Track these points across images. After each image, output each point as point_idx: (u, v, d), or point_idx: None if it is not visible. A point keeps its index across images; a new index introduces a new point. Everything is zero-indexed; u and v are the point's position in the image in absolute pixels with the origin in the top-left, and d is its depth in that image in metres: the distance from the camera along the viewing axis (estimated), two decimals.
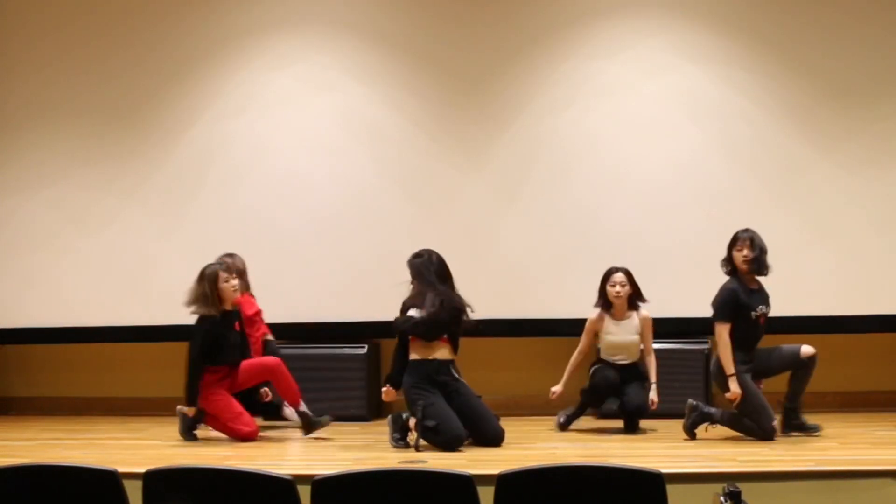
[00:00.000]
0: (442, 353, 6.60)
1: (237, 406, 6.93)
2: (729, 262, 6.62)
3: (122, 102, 8.35)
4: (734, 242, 6.59)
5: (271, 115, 8.23)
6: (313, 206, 8.06)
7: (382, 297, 7.35)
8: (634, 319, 7.00)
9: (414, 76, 8.14)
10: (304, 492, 3.70)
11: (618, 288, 6.92)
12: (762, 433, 6.44)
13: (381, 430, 6.98)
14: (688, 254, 7.76)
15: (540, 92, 8.05)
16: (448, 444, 6.33)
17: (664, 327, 7.47)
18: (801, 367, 6.59)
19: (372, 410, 7.82)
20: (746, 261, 6.52)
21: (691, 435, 6.61)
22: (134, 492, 3.86)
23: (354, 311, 7.74)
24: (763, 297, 6.58)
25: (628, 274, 6.97)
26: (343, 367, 7.77)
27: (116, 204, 8.31)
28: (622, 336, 6.98)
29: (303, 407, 6.98)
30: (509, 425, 7.26)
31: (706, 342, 7.71)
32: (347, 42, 8.21)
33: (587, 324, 7.04)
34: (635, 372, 6.98)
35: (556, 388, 7.06)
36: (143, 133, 8.33)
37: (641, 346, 7.01)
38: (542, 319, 7.87)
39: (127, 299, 8.04)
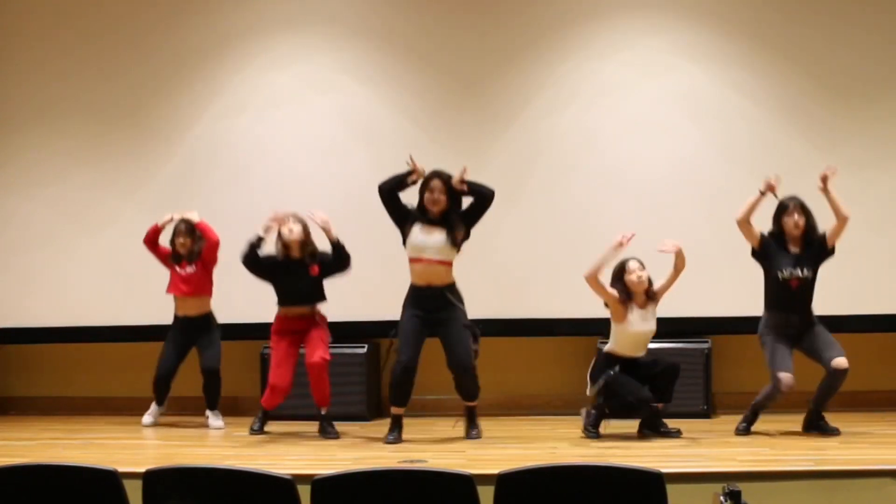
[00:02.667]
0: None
1: (280, 355, 7.06)
2: (779, 234, 6.66)
3: (123, 102, 8.35)
4: (782, 210, 6.63)
5: (271, 115, 8.23)
6: (313, 205, 8.03)
7: (382, 297, 7.36)
8: (652, 307, 6.81)
9: (414, 76, 8.14)
10: (304, 492, 3.71)
11: (635, 275, 6.71)
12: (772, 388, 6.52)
13: (381, 429, 6.99)
14: (687, 253, 7.75)
15: (540, 92, 8.05)
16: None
17: (664, 327, 7.45)
18: (830, 376, 6.58)
19: (372, 410, 7.82)
20: (799, 227, 6.59)
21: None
22: (134, 492, 3.86)
23: (354, 311, 7.73)
24: (800, 261, 6.59)
25: (640, 262, 6.80)
26: (343, 367, 7.75)
27: (116, 204, 8.31)
28: (646, 326, 6.77)
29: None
30: (509, 425, 7.28)
31: (706, 342, 7.71)
32: (347, 42, 8.21)
33: (610, 295, 6.72)
34: (643, 368, 6.81)
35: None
36: (144, 133, 8.33)
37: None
38: (542, 319, 7.86)
39: (127, 299, 8.04)
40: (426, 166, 7.72)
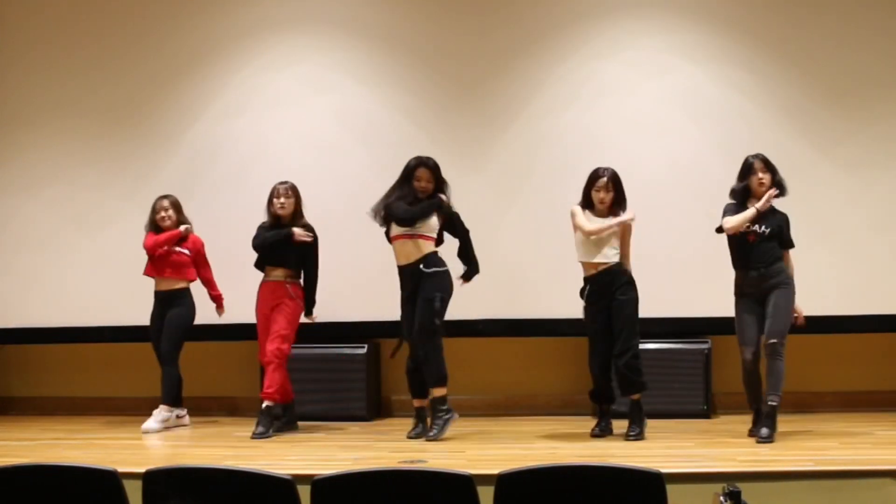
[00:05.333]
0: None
1: (260, 334, 7.25)
2: (743, 189, 6.68)
3: (123, 103, 8.35)
4: (748, 169, 6.68)
5: (271, 115, 8.24)
6: (313, 206, 8.01)
7: (382, 297, 7.35)
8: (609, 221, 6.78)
9: (414, 76, 8.14)
10: (304, 492, 3.70)
11: (602, 194, 6.74)
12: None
13: (382, 429, 6.99)
14: (687, 253, 7.76)
15: (540, 92, 8.05)
16: None
17: (664, 327, 7.47)
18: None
19: (372, 410, 7.82)
20: (764, 184, 6.62)
21: None
22: (134, 492, 3.86)
23: (354, 311, 7.73)
24: (759, 218, 6.58)
25: (614, 179, 6.80)
26: (343, 367, 7.77)
27: (117, 204, 8.31)
28: (597, 225, 6.73)
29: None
30: (509, 425, 7.28)
31: (706, 342, 7.71)
32: (347, 42, 8.21)
33: (574, 219, 6.78)
34: (615, 281, 6.71)
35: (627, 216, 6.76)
36: (144, 133, 8.33)
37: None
38: (542, 319, 7.86)
39: (127, 299, 8.04)
40: None
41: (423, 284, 6.76)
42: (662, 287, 7.47)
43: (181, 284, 7.61)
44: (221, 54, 8.30)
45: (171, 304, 7.57)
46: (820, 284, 6.93)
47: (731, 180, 7.78)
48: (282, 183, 7.29)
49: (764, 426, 6.44)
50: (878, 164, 7.83)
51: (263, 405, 7.08)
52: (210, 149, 8.28)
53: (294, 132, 8.23)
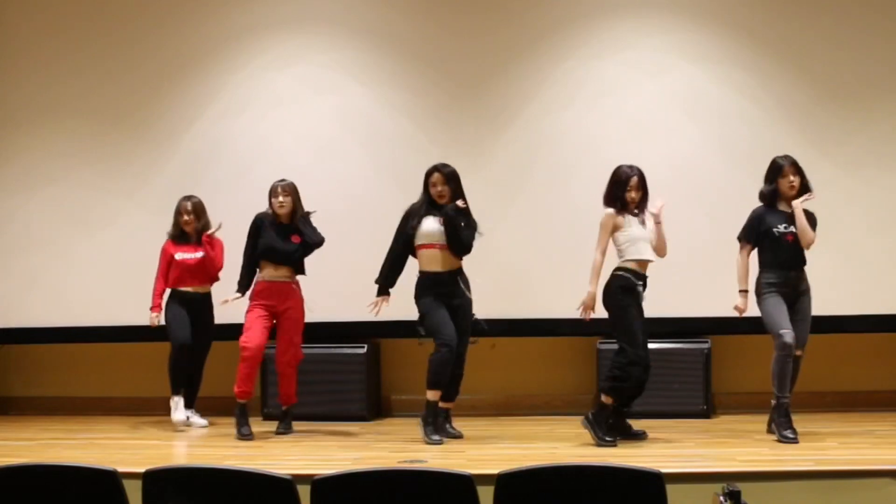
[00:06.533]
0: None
1: (252, 319, 7.12)
2: (772, 193, 6.67)
3: (123, 102, 8.35)
4: (777, 171, 6.64)
5: (271, 115, 8.23)
6: (313, 206, 8.04)
7: None
8: (647, 217, 6.75)
9: (414, 76, 8.14)
10: (304, 492, 3.71)
11: (633, 194, 6.67)
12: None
13: (381, 429, 6.99)
14: (687, 253, 7.74)
15: (540, 92, 8.05)
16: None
17: (664, 327, 7.46)
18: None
19: (372, 410, 7.81)
20: (794, 187, 6.62)
21: None
22: (134, 492, 3.86)
23: (354, 311, 7.72)
24: (792, 218, 6.59)
25: (642, 176, 6.74)
26: (343, 367, 7.77)
27: (116, 204, 8.32)
28: (644, 230, 6.70)
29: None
30: (509, 425, 7.28)
31: (706, 342, 7.71)
32: (347, 42, 8.21)
33: (605, 219, 6.66)
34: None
35: (588, 301, 6.64)
36: (144, 133, 8.33)
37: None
38: (542, 319, 7.86)
39: (127, 299, 8.03)
40: (426, 165, 7.71)
41: (458, 291, 6.84)
42: (662, 287, 7.44)
43: (208, 287, 7.66)
44: (221, 54, 8.30)
45: (204, 308, 7.61)
46: (819, 284, 6.91)
47: (732, 180, 7.84)
48: (280, 181, 7.29)
49: (792, 426, 6.43)
50: (876, 164, 7.82)
51: (284, 408, 7.25)
52: (210, 149, 8.28)
53: (294, 132, 8.22)
